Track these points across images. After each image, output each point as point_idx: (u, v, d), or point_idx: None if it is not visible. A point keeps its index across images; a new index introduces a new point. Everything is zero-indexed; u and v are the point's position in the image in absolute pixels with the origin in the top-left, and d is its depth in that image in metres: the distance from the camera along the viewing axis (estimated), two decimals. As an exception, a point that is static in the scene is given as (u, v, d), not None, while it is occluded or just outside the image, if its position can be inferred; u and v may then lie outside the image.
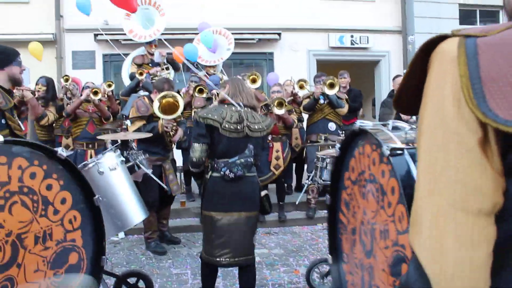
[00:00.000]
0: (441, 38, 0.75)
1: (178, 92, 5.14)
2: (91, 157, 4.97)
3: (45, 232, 1.99)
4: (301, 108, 5.78)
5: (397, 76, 6.29)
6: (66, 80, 5.63)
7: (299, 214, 5.63)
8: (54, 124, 5.49)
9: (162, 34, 6.28)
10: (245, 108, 2.85)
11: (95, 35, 8.10)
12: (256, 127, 2.83)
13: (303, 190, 5.75)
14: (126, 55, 6.80)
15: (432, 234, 0.71)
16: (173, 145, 4.54)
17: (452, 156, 0.70)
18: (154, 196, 4.18)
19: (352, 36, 9.18)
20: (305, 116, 5.98)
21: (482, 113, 0.66)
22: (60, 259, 2.07)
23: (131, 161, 3.60)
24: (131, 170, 3.57)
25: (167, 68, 6.15)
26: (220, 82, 5.29)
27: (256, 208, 2.86)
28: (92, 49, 8.44)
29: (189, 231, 5.12)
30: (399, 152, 1.57)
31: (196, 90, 5.51)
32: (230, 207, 2.74)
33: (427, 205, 0.73)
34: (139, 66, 6.18)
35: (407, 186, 1.47)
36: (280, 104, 5.02)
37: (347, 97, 5.74)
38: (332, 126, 5.49)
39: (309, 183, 5.38)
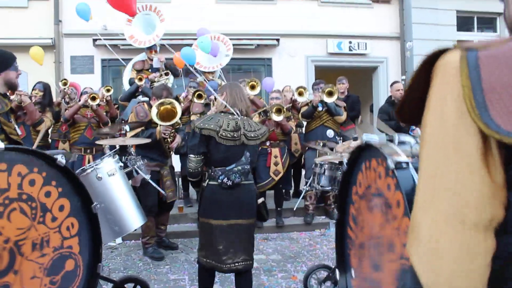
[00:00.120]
0: (443, 51, 0.76)
1: (177, 97, 5.15)
2: (89, 162, 4.97)
3: (43, 239, 1.99)
4: (300, 115, 5.79)
5: (395, 82, 6.30)
6: (65, 84, 5.63)
7: (297, 220, 5.63)
8: (51, 129, 5.49)
9: (162, 39, 6.32)
10: (242, 116, 2.88)
11: (94, 40, 8.11)
12: (252, 135, 2.86)
13: (301, 196, 5.75)
14: (125, 60, 6.80)
15: (429, 245, 0.72)
16: (172, 152, 4.54)
17: (452, 167, 0.70)
18: (152, 201, 4.17)
19: (350, 42, 9.20)
20: (304, 122, 5.99)
21: (484, 124, 0.66)
22: (57, 265, 2.07)
23: (130, 167, 3.60)
24: (130, 175, 3.58)
25: (166, 74, 6.15)
26: (218, 88, 5.30)
27: (253, 216, 2.88)
28: (91, 54, 8.43)
29: (186, 236, 5.11)
30: (404, 165, 1.59)
31: (195, 95, 5.53)
32: (228, 214, 2.76)
33: (425, 215, 0.73)
34: (139, 71, 6.18)
35: (412, 200, 1.48)
36: (279, 111, 5.04)
37: (345, 104, 5.76)
38: (330, 133, 5.50)
39: (307, 189, 5.37)
